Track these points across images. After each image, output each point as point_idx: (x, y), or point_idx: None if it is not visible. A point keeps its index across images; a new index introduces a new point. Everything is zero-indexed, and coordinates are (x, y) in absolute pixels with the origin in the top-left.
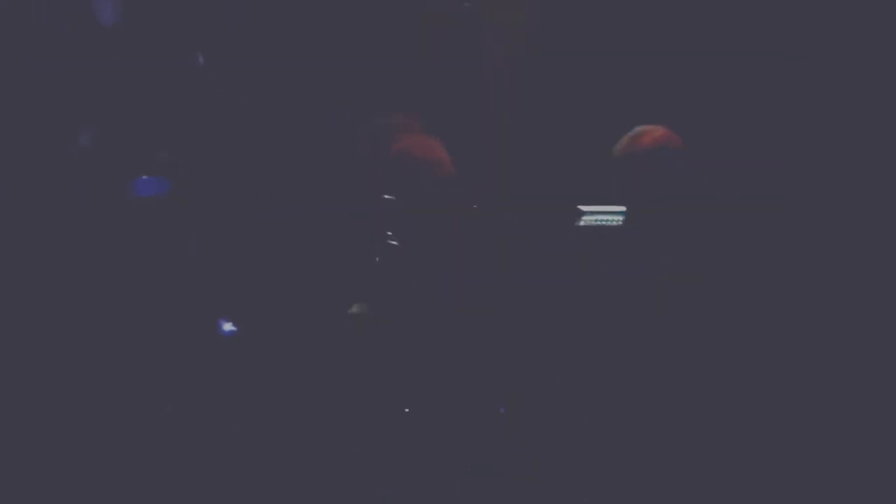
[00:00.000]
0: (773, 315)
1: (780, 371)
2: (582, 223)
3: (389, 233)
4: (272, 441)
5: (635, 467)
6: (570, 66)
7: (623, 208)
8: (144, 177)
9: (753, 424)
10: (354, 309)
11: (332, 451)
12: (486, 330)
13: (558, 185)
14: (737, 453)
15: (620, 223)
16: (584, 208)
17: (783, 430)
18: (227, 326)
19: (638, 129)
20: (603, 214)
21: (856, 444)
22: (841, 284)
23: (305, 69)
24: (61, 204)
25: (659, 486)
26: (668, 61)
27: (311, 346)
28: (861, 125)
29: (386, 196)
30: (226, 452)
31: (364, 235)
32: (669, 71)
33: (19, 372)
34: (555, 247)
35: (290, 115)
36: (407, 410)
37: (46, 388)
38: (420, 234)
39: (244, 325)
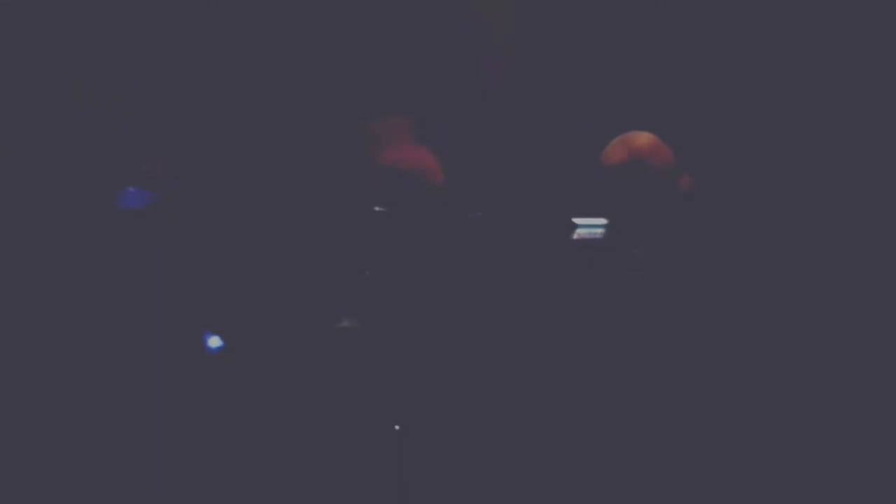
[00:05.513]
0: (766, 320)
1: (773, 373)
2: (576, 236)
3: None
4: (271, 441)
5: (633, 468)
6: (563, 72)
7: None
8: (131, 189)
9: (749, 425)
10: (345, 322)
11: (331, 452)
12: (480, 334)
13: (552, 192)
14: (735, 454)
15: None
16: (578, 220)
17: (782, 430)
18: (217, 337)
19: (622, 136)
20: (596, 227)
21: (856, 444)
22: (836, 290)
23: (299, 70)
24: (57, 209)
25: (658, 486)
26: (661, 66)
27: (308, 348)
28: (860, 136)
29: (377, 208)
30: (224, 453)
31: (356, 242)
32: (663, 76)
33: (18, 375)
34: (547, 254)
35: (284, 117)
36: (397, 427)
37: (46, 390)
38: (411, 243)
39: (242, 327)
